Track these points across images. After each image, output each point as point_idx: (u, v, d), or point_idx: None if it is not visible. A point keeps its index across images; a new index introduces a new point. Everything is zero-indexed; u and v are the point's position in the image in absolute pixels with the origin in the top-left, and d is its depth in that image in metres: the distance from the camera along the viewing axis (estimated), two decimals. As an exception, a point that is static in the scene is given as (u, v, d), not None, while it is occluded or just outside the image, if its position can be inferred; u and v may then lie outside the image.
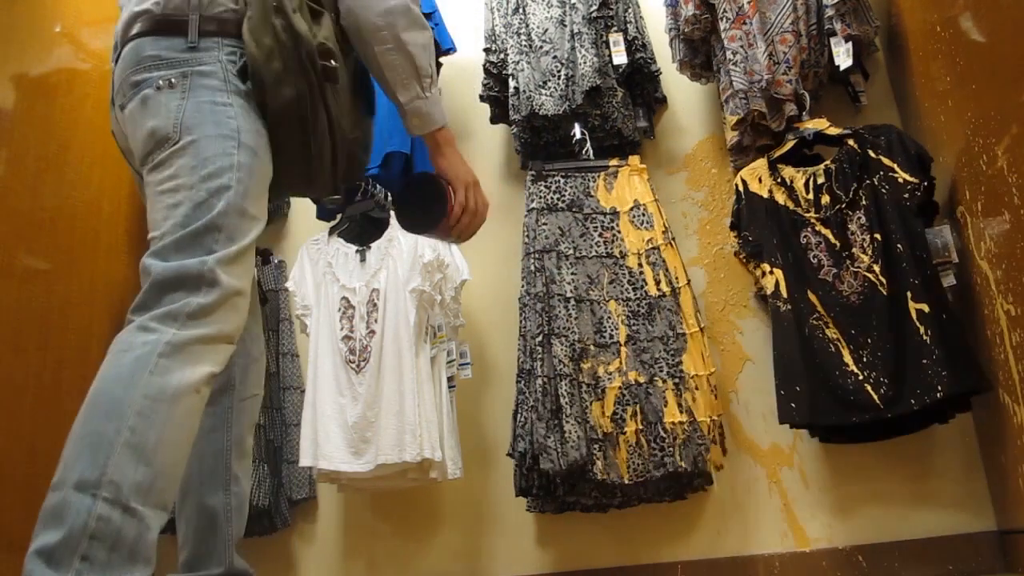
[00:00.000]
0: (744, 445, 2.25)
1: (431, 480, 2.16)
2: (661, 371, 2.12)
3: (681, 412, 2.07)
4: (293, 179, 1.29)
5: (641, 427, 2.07)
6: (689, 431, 2.05)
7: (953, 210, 2.05)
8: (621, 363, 2.14)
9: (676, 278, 2.21)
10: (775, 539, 2.17)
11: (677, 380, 2.11)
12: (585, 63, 2.32)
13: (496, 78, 2.51)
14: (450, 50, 2.48)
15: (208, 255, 1.11)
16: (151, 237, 1.14)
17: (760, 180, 2.21)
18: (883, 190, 2.03)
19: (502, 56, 2.49)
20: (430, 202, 1.39)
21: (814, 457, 2.19)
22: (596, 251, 2.26)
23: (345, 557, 2.46)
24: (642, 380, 2.11)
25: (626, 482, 2.02)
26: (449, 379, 2.26)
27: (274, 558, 2.48)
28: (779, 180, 2.18)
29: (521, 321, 2.20)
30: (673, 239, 2.26)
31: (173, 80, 1.19)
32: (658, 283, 2.20)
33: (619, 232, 2.28)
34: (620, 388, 2.11)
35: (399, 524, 2.44)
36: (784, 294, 2.10)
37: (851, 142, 2.11)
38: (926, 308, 1.91)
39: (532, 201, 2.31)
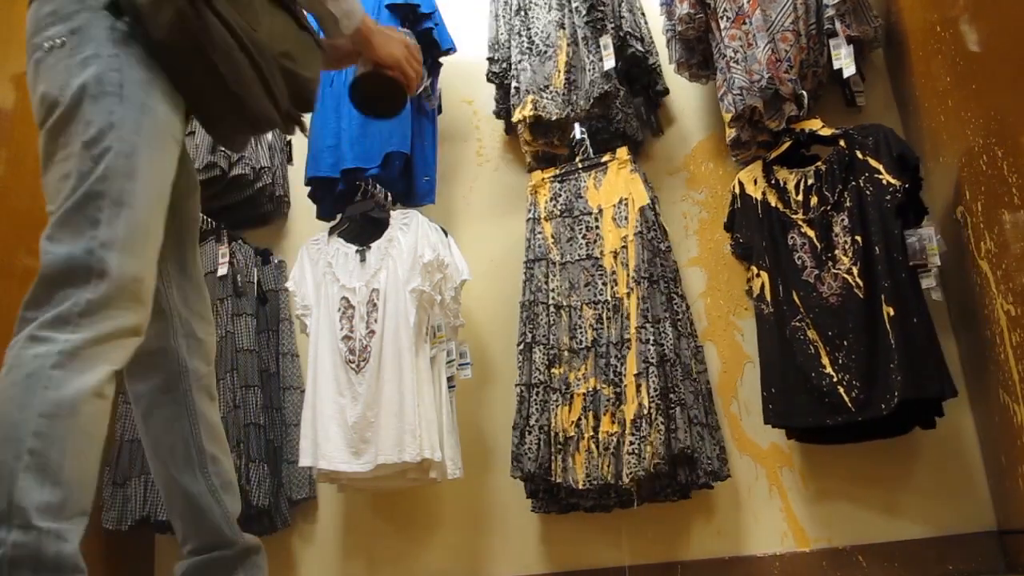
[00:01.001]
0: (744, 445, 2.25)
1: (431, 480, 2.16)
2: (608, 379, 2.11)
3: (614, 423, 2.07)
4: (226, 115, 1.19)
5: (592, 434, 2.08)
6: (617, 443, 2.05)
7: (953, 210, 2.05)
8: (587, 369, 2.15)
9: (631, 277, 2.16)
10: (775, 539, 2.17)
11: (618, 390, 2.09)
12: (595, 70, 2.31)
13: (502, 89, 2.52)
14: (450, 50, 2.48)
15: (95, 233, 1.03)
16: (50, 211, 1.07)
17: (755, 182, 2.22)
18: (867, 192, 2.03)
19: (504, 66, 2.49)
20: (386, 95, 1.41)
21: (814, 457, 2.19)
22: (579, 254, 2.27)
23: (345, 557, 2.46)
24: (597, 387, 2.12)
25: (580, 487, 2.03)
26: (449, 379, 2.26)
27: (274, 558, 2.46)
28: (772, 182, 2.18)
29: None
30: (639, 233, 2.19)
31: (63, 38, 1.11)
32: (624, 284, 2.19)
33: (600, 231, 2.28)
34: (585, 394, 2.12)
35: (399, 524, 2.44)
36: (768, 297, 2.11)
37: (842, 143, 2.11)
38: (892, 312, 1.91)
39: (530, 211, 2.35)
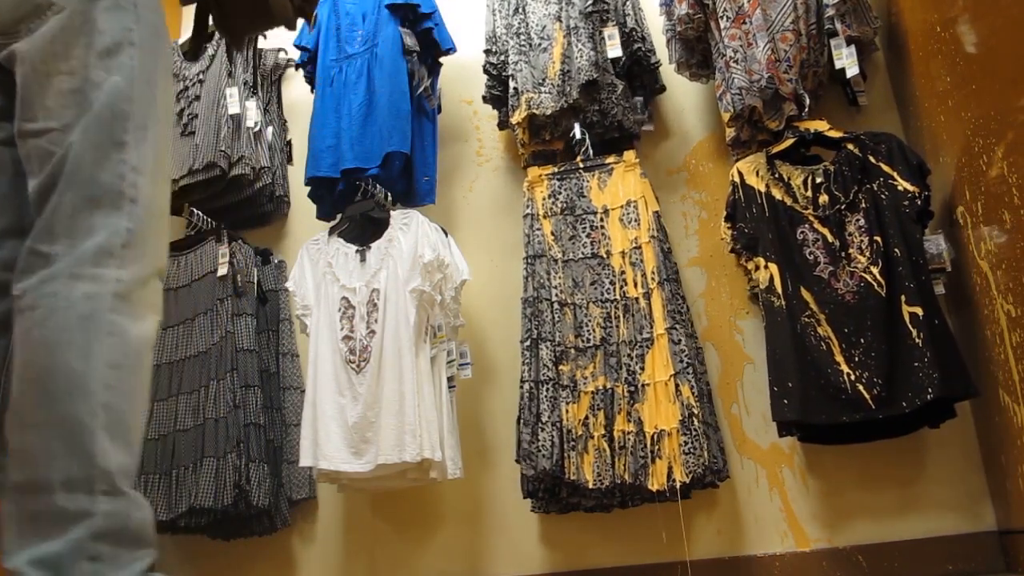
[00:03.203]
0: (744, 445, 2.25)
1: (431, 480, 2.16)
2: (620, 378, 2.12)
3: (629, 422, 2.07)
4: (256, 10, 1.12)
5: (603, 432, 2.08)
6: (633, 442, 2.05)
7: (953, 210, 2.05)
8: (595, 367, 2.15)
9: (651, 278, 2.18)
10: (775, 539, 2.17)
11: (632, 389, 2.10)
12: (581, 57, 2.31)
13: (497, 79, 2.51)
14: (450, 50, 2.48)
15: (123, 157, 0.93)
16: (43, 128, 0.92)
17: (758, 174, 2.21)
18: (883, 196, 2.04)
19: (502, 58, 2.49)
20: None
21: (814, 457, 2.19)
22: (583, 252, 2.27)
23: (345, 557, 2.46)
24: (608, 386, 2.12)
25: (591, 487, 2.03)
26: (449, 379, 2.26)
27: (274, 558, 2.48)
28: (776, 176, 2.18)
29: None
30: (655, 237, 2.22)
31: None
32: (636, 284, 2.19)
33: (607, 231, 2.28)
34: (592, 393, 2.12)
35: (399, 524, 2.44)
36: (779, 289, 2.10)
37: (851, 146, 2.11)
38: (919, 312, 1.92)
39: (528, 207, 2.34)
